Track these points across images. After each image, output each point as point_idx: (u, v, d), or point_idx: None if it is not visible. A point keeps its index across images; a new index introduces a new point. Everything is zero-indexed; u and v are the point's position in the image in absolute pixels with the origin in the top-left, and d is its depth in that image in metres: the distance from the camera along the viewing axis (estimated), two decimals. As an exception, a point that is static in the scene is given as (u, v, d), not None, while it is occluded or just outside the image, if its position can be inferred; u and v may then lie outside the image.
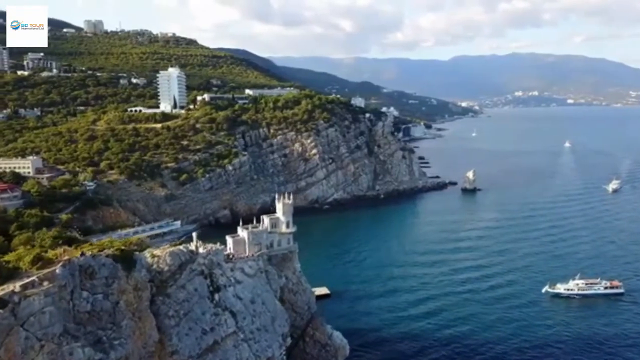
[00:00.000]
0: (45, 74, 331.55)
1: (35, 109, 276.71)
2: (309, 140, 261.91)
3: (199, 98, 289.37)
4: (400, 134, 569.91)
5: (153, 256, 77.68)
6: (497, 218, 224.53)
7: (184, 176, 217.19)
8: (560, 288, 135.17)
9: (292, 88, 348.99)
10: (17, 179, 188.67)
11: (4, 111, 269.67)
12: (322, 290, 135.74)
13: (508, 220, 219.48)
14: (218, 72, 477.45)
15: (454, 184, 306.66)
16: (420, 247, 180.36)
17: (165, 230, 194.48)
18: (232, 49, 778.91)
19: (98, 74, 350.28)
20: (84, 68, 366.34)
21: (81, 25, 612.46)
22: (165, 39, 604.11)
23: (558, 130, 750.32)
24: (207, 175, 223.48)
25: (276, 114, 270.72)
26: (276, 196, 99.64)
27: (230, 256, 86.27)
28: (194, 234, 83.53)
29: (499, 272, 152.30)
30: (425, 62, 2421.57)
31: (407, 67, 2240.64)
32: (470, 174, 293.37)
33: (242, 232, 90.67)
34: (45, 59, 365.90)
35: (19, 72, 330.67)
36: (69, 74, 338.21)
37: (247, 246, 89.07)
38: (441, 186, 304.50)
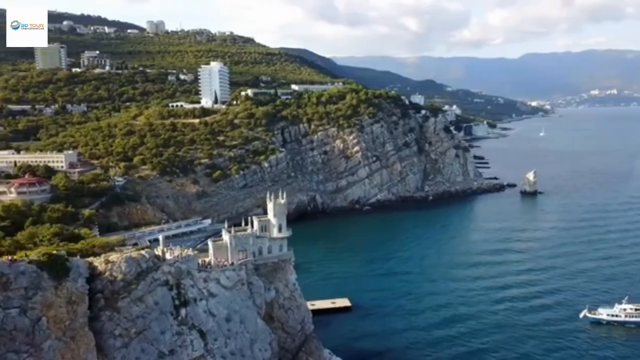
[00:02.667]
0: (97, 70, 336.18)
1: (82, 105, 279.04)
2: (351, 137, 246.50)
3: (242, 94, 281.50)
4: (461, 133, 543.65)
5: (107, 262, 66.03)
6: (554, 226, 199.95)
7: (218, 173, 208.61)
8: (603, 313, 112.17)
9: (341, 83, 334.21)
10: (49, 173, 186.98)
11: (53, 106, 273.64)
12: (343, 302, 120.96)
13: (565, 229, 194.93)
14: (271, 69, 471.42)
15: (513, 186, 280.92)
16: (463, 258, 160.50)
17: (192, 228, 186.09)
18: (294, 49, 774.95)
19: (148, 71, 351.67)
20: (135, 65, 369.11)
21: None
22: (222, 38, 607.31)
23: (637, 130, 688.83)
24: (242, 173, 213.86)
25: (318, 109, 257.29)
26: (267, 195, 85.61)
27: (206, 264, 73.31)
28: (160, 237, 71.17)
29: (541, 292, 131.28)
30: (493, 61, 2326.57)
31: (473, 66, 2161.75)
32: (530, 176, 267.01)
33: (225, 236, 77.53)
34: (100, 57, 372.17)
35: (74, 70, 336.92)
36: (120, 71, 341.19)
37: (229, 252, 75.76)
38: (498, 188, 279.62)
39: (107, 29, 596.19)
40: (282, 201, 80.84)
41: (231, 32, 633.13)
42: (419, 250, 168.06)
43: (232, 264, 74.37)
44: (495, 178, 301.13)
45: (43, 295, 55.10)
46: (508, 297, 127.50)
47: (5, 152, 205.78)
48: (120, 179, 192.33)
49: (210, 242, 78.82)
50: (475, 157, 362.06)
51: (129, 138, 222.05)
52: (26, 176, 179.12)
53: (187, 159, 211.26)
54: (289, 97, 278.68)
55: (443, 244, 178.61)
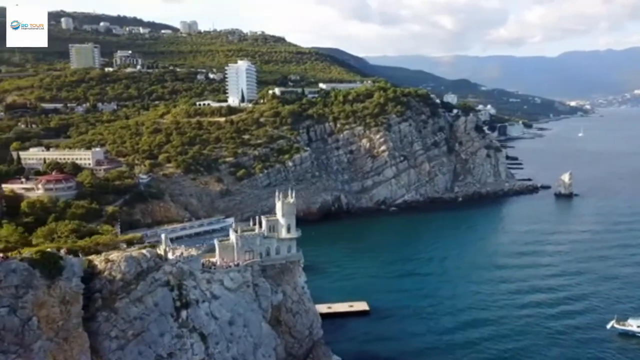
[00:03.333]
0: (129, 70, 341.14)
1: (112, 103, 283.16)
2: (378, 136, 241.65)
3: (269, 92, 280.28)
4: (495, 133, 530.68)
5: (107, 261, 64.30)
6: (588, 229, 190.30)
7: (242, 171, 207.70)
8: (632, 325, 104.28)
9: (370, 82, 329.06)
10: (77, 170, 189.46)
11: (84, 105, 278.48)
12: (360, 306, 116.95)
13: (600, 232, 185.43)
14: (300, 68, 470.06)
15: (547, 187, 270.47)
16: (491, 260, 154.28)
17: (215, 227, 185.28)
18: (326, 48, 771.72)
19: (178, 70, 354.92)
20: (166, 65, 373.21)
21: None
22: (253, 37, 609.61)
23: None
24: (266, 171, 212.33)
25: (345, 107, 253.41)
26: (276, 194, 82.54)
27: (210, 265, 70.84)
28: (163, 235, 69.06)
29: (568, 298, 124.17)
30: (530, 59, 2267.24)
31: (510, 65, 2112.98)
32: (565, 177, 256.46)
33: (232, 236, 74.93)
34: (132, 57, 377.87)
35: (107, 69, 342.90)
36: (151, 70, 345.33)
37: (235, 253, 73.10)
38: (531, 190, 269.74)
39: (141, 30, 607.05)
40: (291, 200, 77.77)
41: (262, 32, 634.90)
42: (445, 252, 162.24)
43: (238, 264, 71.69)
44: (529, 179, 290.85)
45: (35, 295, 53.54)
46: (533, 302, 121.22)
47: (36, 149, 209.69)
48: (145, 176, 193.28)
49: (216, 242, 76.43)
50: (508, 157, 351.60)
51: (155, 136, 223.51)
52: (53, 173, 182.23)
53: (212, 157, 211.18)
54: (316, 95, 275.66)
55: (470, 246, 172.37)
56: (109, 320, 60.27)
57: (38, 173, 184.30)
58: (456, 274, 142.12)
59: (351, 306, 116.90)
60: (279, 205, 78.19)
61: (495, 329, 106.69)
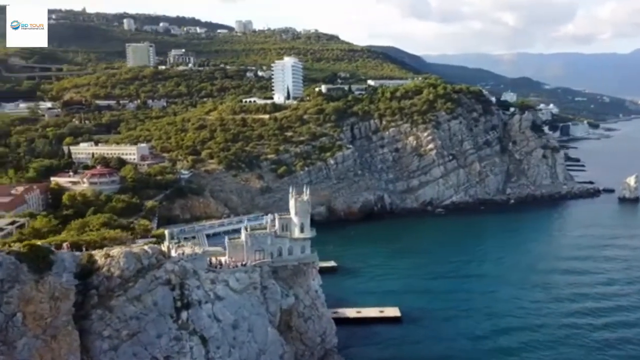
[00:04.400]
0: (180, 67, 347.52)
1: (161, 100, 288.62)
2: (425, 134, 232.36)
3: (316, 90, 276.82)
4: (557, 133, 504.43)
5: (107, 256, 61.82)
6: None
7: (283, 169, 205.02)
8: None
9: (421, 79, 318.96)
10: (121, 164, 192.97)
11: (135, 102, 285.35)
12: (392, 312, 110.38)
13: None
14: (352, 66, 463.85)
15: (610, 191, 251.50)
16: (536, 264, 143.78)
17: (253, 224, 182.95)
18: (381, 47, 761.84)
19: (228, 67, 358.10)
20: (217, 62, 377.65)
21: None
22: (307, 35, 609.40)
23: None
24: (307, 169, 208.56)
25: (392, 104, 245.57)
26: (290, 190, 77.72)
27: (217, 264, 67.09)
28: (167, 231, 65.89)
29: (621, 307, 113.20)
30: (599, 57, 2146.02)
31: (577, 62, 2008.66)
32: (631, 180, 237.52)
33: (242, 234, 70.91)
34: (185, 55, 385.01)
35: (160, 67, 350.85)
36: (201, 68, 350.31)
37: (245, 252, 69.03)
38: (592, 193, 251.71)
39: (198, 30, 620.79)
40: (305, 198, 72.80)
41: (316, 30, 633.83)
42: (495, 256, 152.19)
43: (245, 264, 67.58)
44: (591, 182, 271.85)
45: (21, 289, 51.46)
46: (580, 310, 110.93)
47: (86, 144, 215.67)
48: (186, 172, 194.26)
49: (226, 240, 72.73)
50: (569, 158, 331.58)
51: (199, 132, 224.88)
52: (98, 167, 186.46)
53: (254, 154, 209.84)
54: (363, 92, 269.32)
55: (516, 249, 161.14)
56: (103, 319, 57.67)
57: (86, 167, 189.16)
58: (501, 280, 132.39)
59: (382, 311, 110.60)
60: (292, 203, 73.50)
61: (539, 336, 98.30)
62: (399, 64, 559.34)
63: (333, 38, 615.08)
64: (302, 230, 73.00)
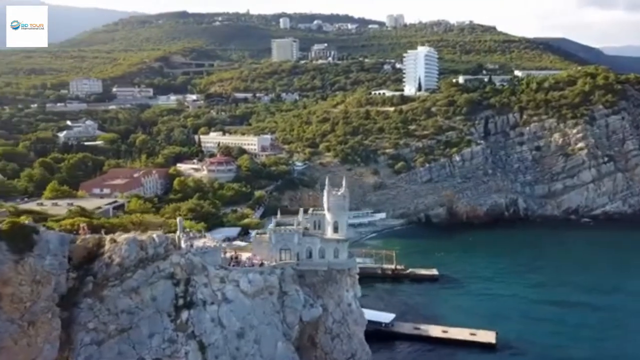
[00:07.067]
0: (319, 62, 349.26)
1: (294, 93, 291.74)
2: (575, 130, 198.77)
3: (453, 80, 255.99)
4: None
5: (112, 241, 57.28)
6: None
7: (400, 164, 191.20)
8: None
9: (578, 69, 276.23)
10: (242, 154, 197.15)
11: (270, 95, 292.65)
12: (485, 336, 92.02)
13: None
14: (505, 57, 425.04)
15: None
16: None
17: (362, 221, 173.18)
18: (549, 38, 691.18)
19: (366, 60, 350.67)
20: (356, 56, 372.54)
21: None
22: (460, 27, 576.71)
23: None
24: (427, 165, 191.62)
25: (536, 96, 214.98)
26: (326, 180, 65.60)
27: (232, 260, 58.70)
28: (179, 220, 59.18)
29: None
30: None
31: None
32: None
33: (268, 229, 61.58)
34: (327, 49, 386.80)
35: (301, 62, 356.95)
36: (339, 62, 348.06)
37: (269, 250, 59.66)
38: None
39: (349, 26, 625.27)
40: (341, 192, 60.52)
41: (470, 21, 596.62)
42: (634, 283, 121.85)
43: (262, 264, 58.13)
44: None
45: (-1, 269, 48.55)
46: None
47: (215, 134, 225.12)
48: (300, 164, 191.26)
49: (253, 235, 64.06)
50: None
51: (321, 125, 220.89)
52: (218, 156, 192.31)
53: (371, 148, 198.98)
54: (505, 83, 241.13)
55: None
56: (92, 310, 52.69)
57: (212, 155, 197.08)
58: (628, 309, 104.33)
59: (473, 334, 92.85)
60: (325, 197, 61.89)
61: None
62: (562, 55, 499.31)
63: (489, 29, 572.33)
64: (335, 230, 61.10)
